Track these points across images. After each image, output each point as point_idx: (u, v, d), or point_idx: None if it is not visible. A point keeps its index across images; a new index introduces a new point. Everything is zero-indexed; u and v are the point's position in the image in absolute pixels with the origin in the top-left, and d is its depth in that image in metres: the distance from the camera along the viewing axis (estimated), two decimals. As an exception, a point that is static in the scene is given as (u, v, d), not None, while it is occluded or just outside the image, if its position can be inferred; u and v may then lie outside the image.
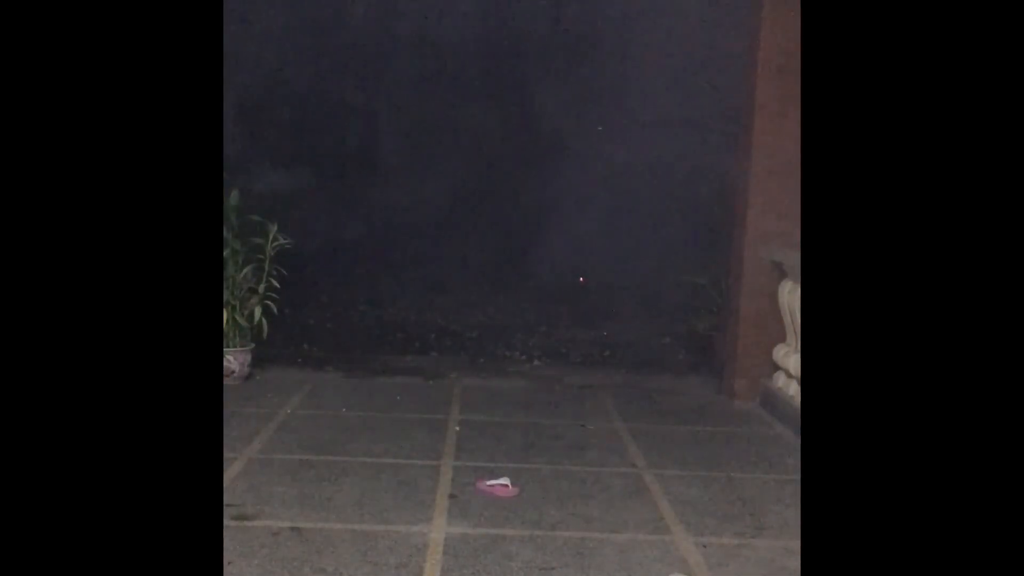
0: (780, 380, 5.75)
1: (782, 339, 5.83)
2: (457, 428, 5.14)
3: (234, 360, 5.93)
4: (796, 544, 3.48)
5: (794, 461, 4.69)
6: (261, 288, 6.08)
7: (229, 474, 4.14)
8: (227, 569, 3.11)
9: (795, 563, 3.36)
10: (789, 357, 5.57)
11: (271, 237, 6.05)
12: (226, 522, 3.49)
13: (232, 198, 5.82)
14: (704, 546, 3.56)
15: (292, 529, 3.55)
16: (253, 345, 6.11)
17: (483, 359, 7.40)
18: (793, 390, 5.50)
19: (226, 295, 5.88)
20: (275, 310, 6.15)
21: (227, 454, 4.35)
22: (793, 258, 5.42)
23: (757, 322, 5.97)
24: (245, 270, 5.99)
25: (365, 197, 14.02)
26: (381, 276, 11.39)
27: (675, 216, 13.32)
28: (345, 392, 5.97)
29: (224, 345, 5.85)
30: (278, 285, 6.16)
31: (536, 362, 7.40)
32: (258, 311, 6.02)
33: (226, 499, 3.74)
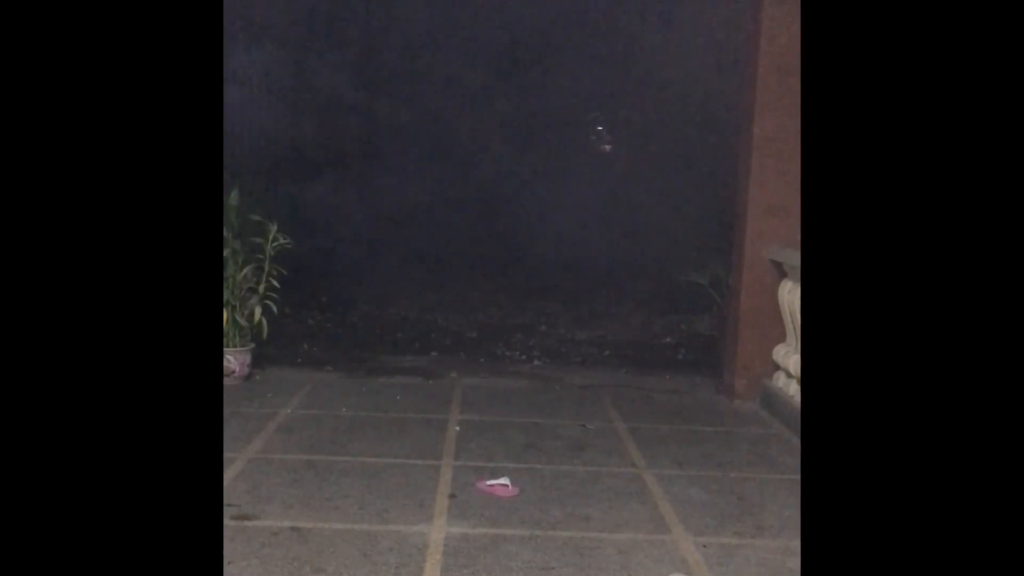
0: (780, 380, 5.75)
1: (782, 339, 5.83)
2: (457, 428, 5.14)
3: (234, 360, 5.93)
4: (796, 544, 3.49)
5: (794, 461, 4.69)
6: (261, 288, 6.08)
7: (229, 474, 4.14)
8: (227, 569, 3.11)
9: (795, 563, 3.36)
10: (789, 357, 5.57)
11: (271, 237, 6.06)
12: (226, 522, 3.50)
13: (232, 198, 5.82)
14: (704, 546, 3.56)
15: (292, 529, 3.55)
16: (253, 345, 6.11)
17: (483, 359, 7.40)
18: (793, 390, 5.50)
19: (226, 295, 5.88)
20: (275, 310, 6.16)
21: (227, 454, 4.35)
22: (793, 258, 5.42)
23: (757, 322, 5.97)
24: (245, 270, 5.99)
25: (365, 196, 14.03)
26: (381, 276, 11.39)
27: (675, 215, 13.33)
28: (345, 392, 5.97)
29: (224, 345, 5.85)
30: (278, 285, 6.16)
31: (536, 362, 7.40)
32: (258, 311, 6.02)
33: (226, 499, 3.75)
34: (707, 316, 9.00)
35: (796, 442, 5.04)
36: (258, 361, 6.26)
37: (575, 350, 8.03)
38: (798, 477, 3.99)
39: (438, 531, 3.59)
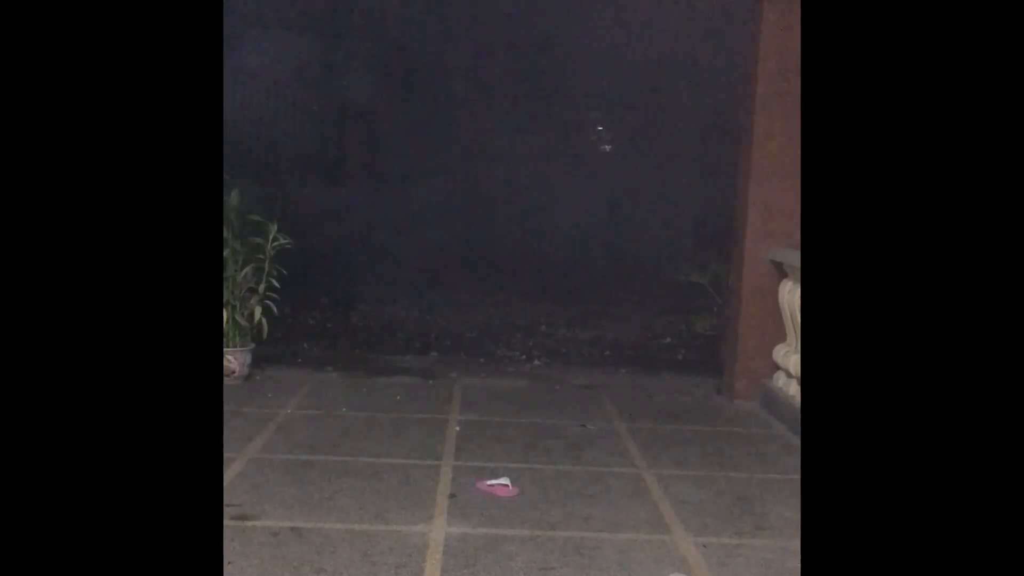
0: (780, 380, 5.75)
1: (782, 339, 5.83)
2: (457, 428, 5.14)
3: (234, 360, 5.93)
4: (796, 544, 3.49)
5: (794, 461, 4.69)
6: (261, 288, 6.08)
7: (229, 474, 4.14)
8: (227, 569, 3.11)
9: (795, 563, 3.36)
10: (789, 357, 5.57)
11: (271, 237, 6.06)
12: (226, 522, 3.49)
13: (232, 198, 5.82)
14: (704, 546, 3.56)
15: (292, 529, 3.55)
16: (253, 345, 6.11)
17: (483, 359, 7.40)
18: (793, 390, 5.50)
19: (226, 295, 5.88)
20: (275, 310, 6.16)
21: (227, 454, 4.34)
22: (793, 258, 5.42)
23: (757, 322, 5.97)
24: (245, 270, 5.99)
25: (365, 197, 14.02)
26: (381, 276, 11.39)
27: (675, 215, 13.34)
28: (345, 392, 5.97)
29: (224, 345, 5.85)
30: (278, 285, 6.16)
31: (536, 362, 7.40)
32: (258, 311, 6.02)
33: (226, 499, 3.75)
34: (707, 316, 9.00)
35: (796, 442, 5.04)
36: (258, 361, 6.26)
37: (575, 350, 8.03)
38: (798, 477, 3.99)
39: (438, 531, 3.59)
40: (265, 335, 6.11)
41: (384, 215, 13.99)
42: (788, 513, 3.93)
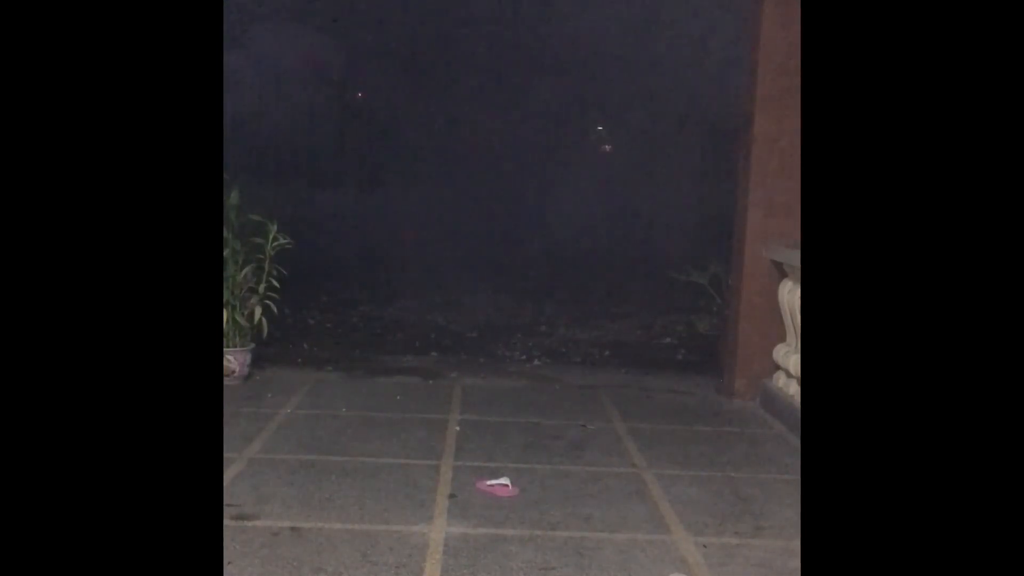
0: (780, 380, 5.75)
1: (782, 339, 5.83)
2: (457, 428, 5.14)
3: (234, 360, 5.93)
4: (796, 544, 3.49)
5: (794, 461, 4.69)
6: (261, 288, 6.08)
7: (229, 474, 4.14)
8: (227, 569, 3.11)
9: (795, 563, 3.36)
10: (789, 357, 5.57)
11: (271, 237, 6.05)
12: (226, 522, 3.49)
13: (232, 198, 5.82)
14: (704, 546, 3.56)
15: (292, 529, 3.55)
16: (253, 345, 6.11)
17: (483, 359, 7.39)
18: (793, 390, 5.50)
19: (226, 295, 5.87)
20: (275, 310, 6.16)
21: (227, 454, 4.34)
22: (793, 258, 5.42)
23: (757, 322, 5.97)
24: (245, 270, 5.99)
25: (365, 197, 14.03)
26: (381, 276, 11.39)
27: (676, 215, 13.34)
28: (345, 392, 5.97)
29: (224, 345, 5.85)
30: (278, 285, 6.16)
31: (536, 362, 7.40)
32: (258, 311, 6.02)
33: (226, 499, 3.75)
34: (707, 316, 9.00)
35: (796, 442, 5.04)
36: (258, 361, 6.26)
37: (575, 350, 8.03)
38: (798, 477, 3.99)
39: (438, 531, 3.59)
40: (265, 335, 6.11)
41: (384, 215, 14.00)
42: (788, 513, 3.93)
